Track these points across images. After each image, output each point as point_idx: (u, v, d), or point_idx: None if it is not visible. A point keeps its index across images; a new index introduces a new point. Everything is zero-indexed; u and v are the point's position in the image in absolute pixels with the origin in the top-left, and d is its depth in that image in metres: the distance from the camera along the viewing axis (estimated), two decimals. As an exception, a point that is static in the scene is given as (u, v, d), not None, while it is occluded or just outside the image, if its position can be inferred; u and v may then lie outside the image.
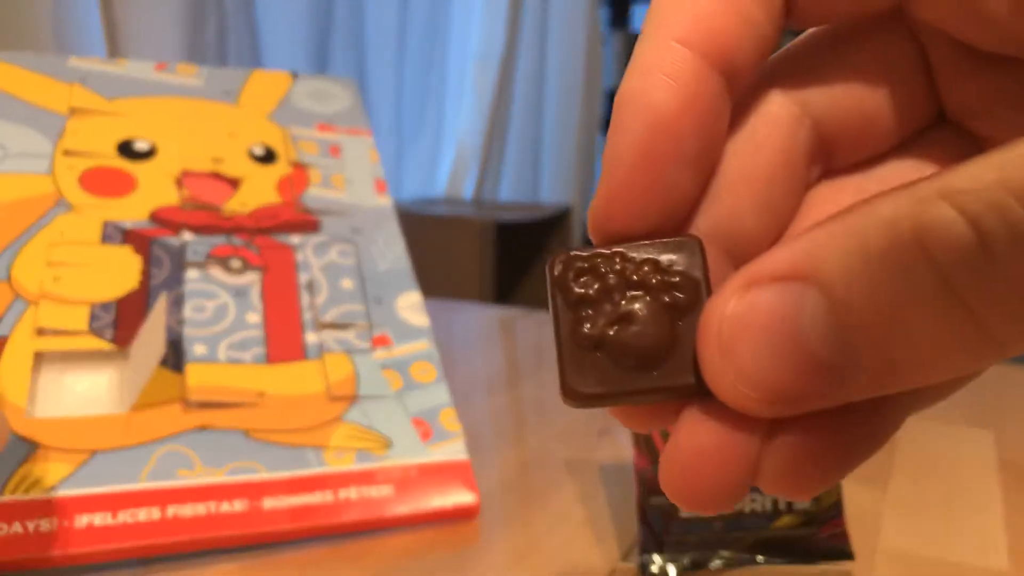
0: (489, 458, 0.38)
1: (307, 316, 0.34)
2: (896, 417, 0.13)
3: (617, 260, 0.13)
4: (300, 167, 0.39)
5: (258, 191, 0.38)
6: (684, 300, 0.13)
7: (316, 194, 0.39)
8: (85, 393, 0.30)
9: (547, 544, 0.30)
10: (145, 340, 0.32)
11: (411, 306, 0.36)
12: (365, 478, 0.31)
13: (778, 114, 0.14)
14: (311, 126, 0.42)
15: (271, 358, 0.33)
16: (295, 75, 0.45)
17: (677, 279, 0.13)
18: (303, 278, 0.35)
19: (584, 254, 0.14)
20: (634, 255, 0.13)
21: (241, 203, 0.37)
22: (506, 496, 0.34)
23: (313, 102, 0.43)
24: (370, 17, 1.54)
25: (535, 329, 0.67)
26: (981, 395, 0.50)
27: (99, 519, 0.27)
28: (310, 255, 0.36)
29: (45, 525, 0.26)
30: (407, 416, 0.33)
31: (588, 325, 0.13)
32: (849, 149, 0.15)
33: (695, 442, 0.13)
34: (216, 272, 0.34)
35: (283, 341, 0.33)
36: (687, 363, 0.13)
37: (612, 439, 0.41)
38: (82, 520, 0.27)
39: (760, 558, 0.28)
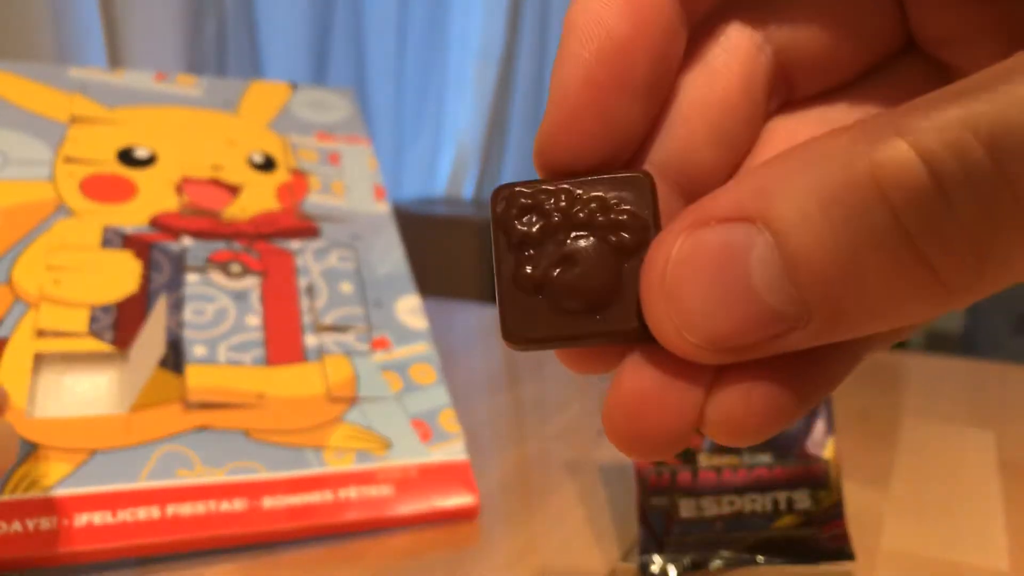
0: (489, 458, 0.38)
1: (307, 319, 0.34)
2: (846, 362, 0.13)
3: (563, 197, 0.13)
4: (299, 174, 0.40)
5: (258, 198, 0.38)
6: (631, 241, 0.13)
7: (316, 201, 0.39)
8: (85, 394, 0.30)
9: (547, 544, 0.30)
10: (145, 341, 0.32)
11: (410, 310, 0.36)
12: (365, 478, 0.31)
13: (737, 41, 0.14)
14: (310, 135, 0.42)
15: (271, 360, 0.33)
16: (294, 85, 0.45)
17: (624, 218, 0.13)
18: (303, 282, 0.35)
19: (528, 190, 0.13)
20: (580, 192, 0.13)
21: (241, 209, 0.37)
22: (506, 496, 0.34)
23: (312, 112, 0.44)
24: (370, 17, 1.54)
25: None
26: (982, 396, 0.50)
27: (99, 518, 0.27)
28: (310, 260, 0.36)
29: (45, 524, 0.26)
30: (407, 417, 0.33)
31: (530, 267, 0.13)
32: (811, 78, 0.14)
33: (637, 387, 0.12)
34: (216, 276, 0.34)
35: (283, 343, 0.33)
36: (631, 307, 0.13)
37: (612, 439, 0.41)
38: (82, 519, 0.27)
39: (760, 558, 0.28)
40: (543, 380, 0.52)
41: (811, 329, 0.11)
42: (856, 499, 0.33)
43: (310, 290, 0.35)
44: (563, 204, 0.13)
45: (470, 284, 1.36)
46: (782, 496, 0.28)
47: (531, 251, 0.13)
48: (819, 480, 0.28)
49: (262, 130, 0.41)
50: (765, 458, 0.28)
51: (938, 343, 2.97)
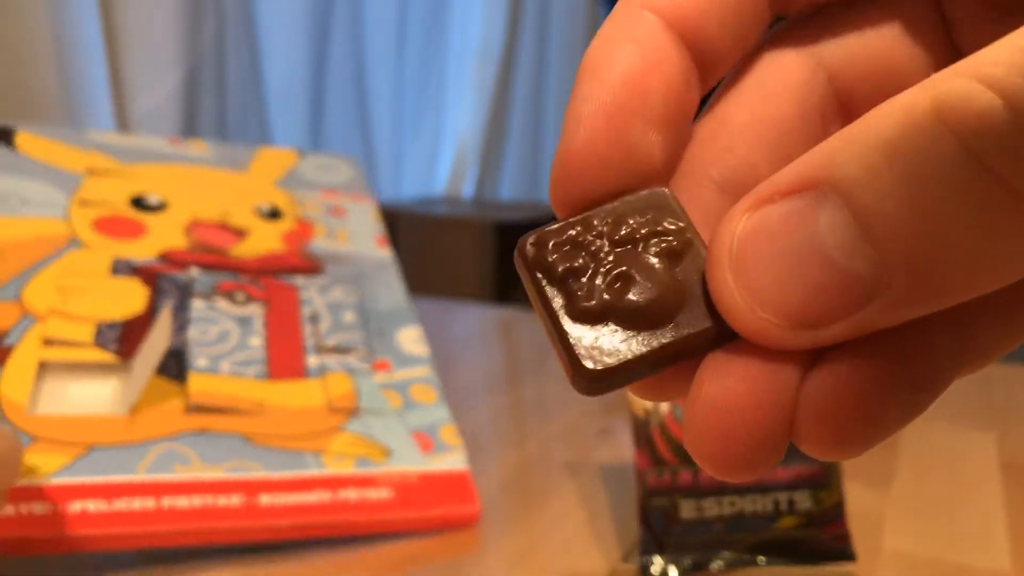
0: (489, 459, 0.38)
1: (309, 342, 0.35)
2: (943, 369, 0.12)
3: (594, 223, 0.12)
4: (305, 222, 0.41)
5: (264, 240, 0.39)
6: (677, 245, 0.12)
7: (321, 244, 0.40)
8: (86, 398, 0.30)
9: (547, 545, 0.30)
10: (148, 350, 0.32)
11: (412, 339, 0.37)
12: (364, 481, 0.31)
13: (790, 65, 0.14)
14: (316, 191, 0.44)
15: (272, 375, 0.33)
16: (301, 152, 0.47)
17: (662, 227, 0.12)
18: (306, 311, 0.36)
19: (555, 227, 0.13)
20: (608, 216, 0.12)
21: (247, 249, 0.38)
22: (506, 497, 0.34)
23: (318, 174, 0.46)
24: (369, 16, 1.54)
25: (535, 329, 0.67)
26: (984, 397, 0.49)
27: (93, 506, 0.27)
28: (314, 293, 0.37)
29: (38, 509, 0.26)
30: (407, 430, 0.33)
31: (585, 297, 0.12)
32: (868, 103, 0.14)
33: (721, 388, 0.11)
34: (221, 303, 0.35)
35: (284, 361, 0.34)
36: (700, 309, 0.12)
37: (613, 440, 0.41)
38: (76, 506, 0.27)
39: (761, 559, 0.28)
40: (543, 381, 0.52)
41: (895, 294, 0.10)
42: (857, 500, 0.33)
43: (313, 318, 0.36)
44: (597, 230, 0.12)
45: (470, 284, 1.36)
46: (783, 497, 0.28)
47: (580, 281, 0.12)
48: (820, 481, 0.28)
49: (270, 186, 0.43)
50: None
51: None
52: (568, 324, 0.12)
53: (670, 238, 0.12)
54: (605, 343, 0.12)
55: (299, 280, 0.38)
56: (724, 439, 0.11)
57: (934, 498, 0.35)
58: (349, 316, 0.37)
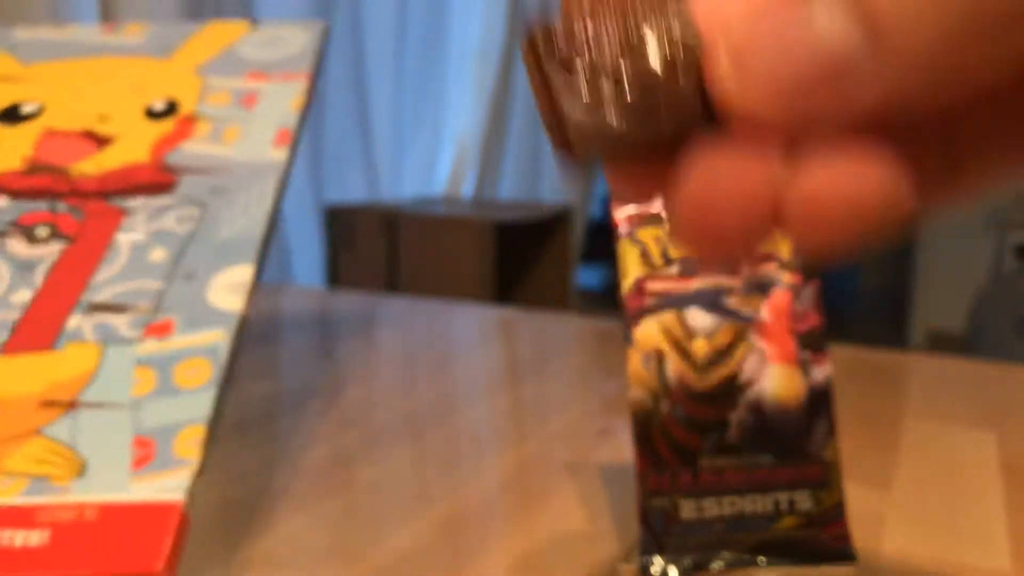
0: (488, 459, 0.38)
1: (85, 296, 0.29)
2: (933, 185, 0.12)
3: (603, 18, 0.12)
4: (189, 119, 0.36)
5: (127, 150, 0.34)
6: (677, 36, 0.12)
7: (192, 149, 0.35)
8: None
9: (547, 545, 0.30)
10: None
11: (230, 286, 0.30)
12: (20, 518, 0.23)
13: None
14: (240, 75, 0.39)
15: (9, 348, 0.27)
16: (255, 23, 0.42)
17: (664, 22, 0.12)
18: (115, 248, 0.31)
19: (562, 24, 0.13)
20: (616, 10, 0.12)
21: (97, 164, 0.34)
22: (506, 497, 0.34)
23: (259, 50, 0.40)
24: (369, 15, 1.54)
25: (535, 329, 0.67)
26: (984, 397, 0.49)
27: None
28: (140, 221, 0.32)
29: None
30: (131, 433, 0.26)
31: (581, 79, 0.12)
32: None
33: (708, 167, 0.11)
34: (13, 243, 0.30)
35: (38, 327, 0.28)
36: (692, 97, 0.12)
37: (613, 440, 0.41)
38: None
39: (762, 559, 0.28)
40: (543, 380, 0.52)
41: (884, 61, 0.10)
42: (857, 500, 0.33)
43: (113, 259, 0.30)
44: (604, 25, 0.12)
45: (470, 284, 1.36)
46: (783, 497, 0.28)
47: (581, 65, 0.12)
48: (820, 481, 0.28)
49: (183, 74, 0.38)
50: (766, 459, 0.28)
51: (940, 344, 2.98)
52: (563, 97, 0.12)
53: (672, 30, 0.12)
54: (594, 118, 0.12)
55: (134, 202, 0.32)
56: (709, 217, 0.11)
57: (934, 498, 0.35)
58: (158, 255, 0.30)
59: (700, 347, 0.26)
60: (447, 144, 1.79)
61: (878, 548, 0.30)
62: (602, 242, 2.41)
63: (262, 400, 0.47)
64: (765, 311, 0.26)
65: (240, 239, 0.31)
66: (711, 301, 0.26)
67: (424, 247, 1.40)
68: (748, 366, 0.26)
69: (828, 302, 0.26)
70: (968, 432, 0.43)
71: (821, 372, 0.26)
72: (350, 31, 1.49)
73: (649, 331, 0.26)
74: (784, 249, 0.26)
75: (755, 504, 0.27)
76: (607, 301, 2.32)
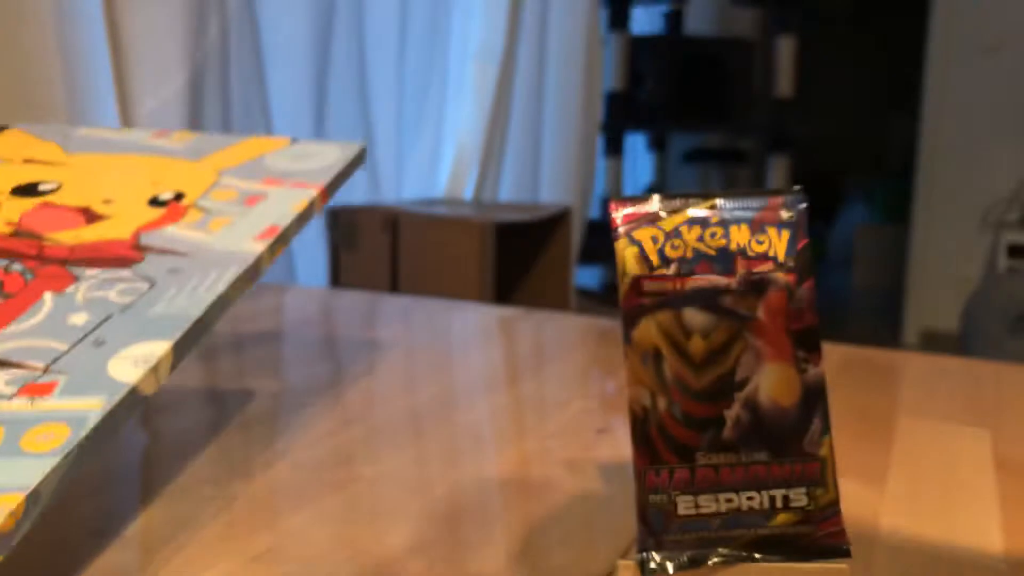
0: (489, 456, 0.38)
1: None
2: None
3: None
4: (183, 208, 0.37)
5: (112, 228, 0.35)
6: None
7: (171, 232, 0.35)
8: None
9: (546, 542, 0.30)
10: None
11: (137, 358, 0.29)
12: None
13: None
14: (258, 179, 0.39)
15: None
16: (295, 140, 0.43)
17: None
18: (39, 306, 0.31)
19: None
20: None
21: (75, 236, 0.34)
22: (505, 493, 0.34)
23: (288, 161, 0.41)
24: (371, 19, 1.54)
25: (535, 328, 0.67)
26: (978, 394, 0.50)
27: None
28: (83, 288, 0.32)
29: None
30: None
31: None
32: None
33: None
34: None
35: None
36: None
37: (611, 438, 0.41)
38: None
39: (757, 556, 0.28)
40: (543, 379, 0.52)
41: None
42: (853, 497, 0.33)
43: (34, 314, 0.30)
44: None
45: (470, 284, 1.37)
46: (779, 494, 0.28)
47: None
48: (815, 478, 0.28)
49: (204, 174, 0.39)
50: (762, 456, 0.28)
51: (934, 344, 2.98)
52: None
53: None
54: None
55: (90, 272, 0.32)
56: None
57: (929, 495, 0.35)
58: (78, 318, 0.30)
59: (697, 346, 0.26)
60: (448, 145, 1.79)
61: (872, 544, 0.31)
62: (600, 242, 2.40)
63: (266, 397, 0.47)
64: (761, 310, 0.26)
65: (170, 317, 0.30)
66: (707, 300, 0.26)
67: (425, 247, 1.41)
68: (744, 364, 0.26)
69: (823, 302, 0.26)
70: (962, 429, 0.43)
71: (816, 371, 0.26)
72: (352, 34, 1.50)
73: (647, 330, 0.26)
74: (779, 250, 0.27)
75: (751, 501, 0.28)
76: (605, 301, 2.31)
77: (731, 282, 0.26)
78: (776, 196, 0.27)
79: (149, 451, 0.39)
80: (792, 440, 0.27)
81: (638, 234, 0.27)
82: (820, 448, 0.27)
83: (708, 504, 0.28)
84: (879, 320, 3.41)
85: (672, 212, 0.27)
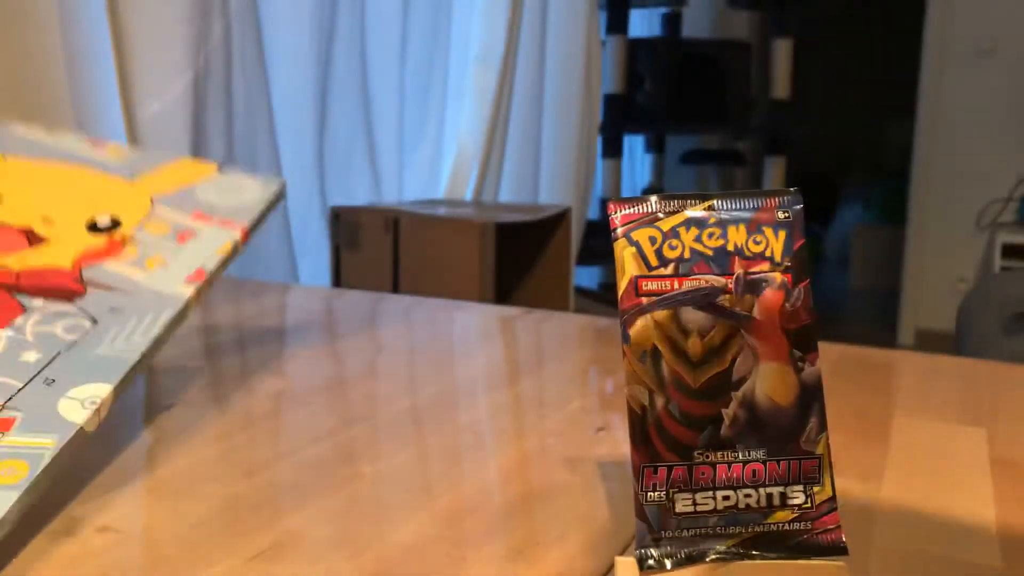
0: (489, 454, 0.39)
1: None
2: None
3: None
4: (121, 241, 0.38)
5: (54, 254, 0.36)
6: None
7: (110, 268, 0.37)
8: None
9: (546, 539, 0.31)
10: None
11: (83, 399, 0.30)
12: None
13: None
14: (188, 212, 0.42)
15: None
16: (221, 168, 0.45)
17: None
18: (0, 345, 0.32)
19: None
20: None
21: (20, 260, 0.35)
22: (505, 491, 0.35)
23: (216, 194, 0.43)
24: (372, 23, 1.55)
25: (534, 328, 0.67)
26: (974, 393, 0.50)
27: None
28: (32, 322, 0.33)
29: None
30: None
31: None
32: None
33: None
34: None
35: None
36: None
37: (610, 436, 0.41)
38: None
39: (755, 553, 0.28)
40: (542, 377, 0.52)
41: None
42: (850, 495, 0.34)
43: None
44: None
45: (470, 284, 1.37)
46: (776, 491, 0.28)
47: None
48: (812, 476, 0.28)
49: (139, 198, 0.41)
50: (759, 454, 0.28)
51: (929, 344, 2.98)
52: None
53: None
54: None
55: (37, 303, 0.34)
56: None
57: (925, 493, 0.35)
58: (30, 355, 0.31)
59: (694, 345, 0.26)
60: (449, 148, 1.79)
61: (869, 541, 0.31)
62: (599, 243, 2.40)
63: (268, 396, 0.47)
64: (757, 310, 0.26)
65: (112, 359, 0.32)
66: (705, 300, 0.27)
67: (426, 247, 1.41)
68: (741, 363, 0.26)
69: (819, 302, 0.27)
70: (958, 428, 0.43)
71: (812, 369, 0.26)
72: (353, 35, 1.50)
73: (644, 329, 0.27)
74: (776, 250, 0.27)
75: (748, 498, 0.28)
76: (604, 300, 2.31)
77: (728, 282, 0.27)
78: (773, 197, 0.27)
79: (152, 448, 0.40)
80: (789, 438, 0.28)
81: (636, 234, 0.27)
82: (817, 446, 0.28)
83: (706, 501, 0.28)
84: (875, 320, 3.42)
85: (670, 213, 0.27)
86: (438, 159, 1.79)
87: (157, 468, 0.38)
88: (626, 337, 0.27)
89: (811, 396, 0.27)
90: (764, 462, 0.28)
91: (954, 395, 0.49)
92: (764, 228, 0.27)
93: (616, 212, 0.28)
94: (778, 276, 0.27)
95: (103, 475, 0.36)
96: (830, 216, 4.26)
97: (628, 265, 0.27)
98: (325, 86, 1.45)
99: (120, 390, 0.31)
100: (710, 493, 0.28)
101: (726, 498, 0.28)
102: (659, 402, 0.29)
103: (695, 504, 0.28)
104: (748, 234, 0.27)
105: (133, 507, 0.34)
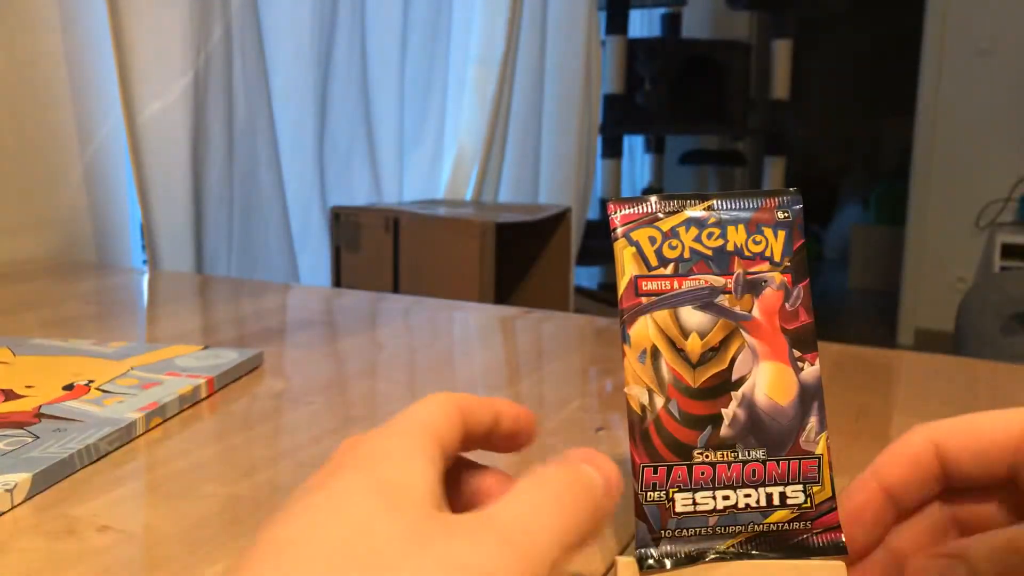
0: (488, 454, 0.39)
1: None
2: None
3: None
4: (86, 388, 0.45)
5: (22, 404, 0.42)
6: None
7: (69, 405, 0.42)
8: None
9: (547, 537, 0.31)
10: None
11: (1, 484, 0.34)
12: None
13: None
14: (161, 372, 0.48)
15: None
16: (206, 347, 0.53)
17: None
18: None
19: None
20: None
21: None
22: (506, 491, 0.35)
23: (193, 360, 0.50)
24: (373, 21, 1.55)
25: (534, 328, 0.67)
26: (973, 393, 0.50)
27: None
28: None
29: None
30: None
31: None
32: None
33: None
34: None
35: None
36: None
37: (610, 435, 0.42)
38: None
39: (755, 552, 0.28)
40: (542, 378, 0.53)
41: None
42: (848, 494, 0.34)
43: None
44: None
45: (470, 284, 1.37)
46: (776, 491, 0.28)
47: None
48: (812, 476, 0.28)
49: (118, 368, 0.48)
50: (759, 453, 0.28)
51: (929, 342, 2.98)
52: None
53: None
54: None
55: None
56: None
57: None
58: None
59: (694, 344, 0.26)
60: (449, 148, 1.80)
61: (867, 540, 0.31)
62: (599, 243, 2.39)
63: (269, 396, 0.48)
64: (757, 310, 0.26)
65: (39, 458, 0.36)
66: (704, 300, 0.27)
67: (426, 247, 1.41)
68: (740, 363, 0.26)
69: (818, 302, 0.27)
70: (957, 429, 0.43)
71: (812, 369, 0.26)
72: (353, 35, 1.50)
73: (644, 329, 0.27)
74: (776, 251, 0.27)
75: (748, 498, 0.28)
76: (604, 300, 2.31)
77: (728, 282, 0.27)
78: (773, 197, 0.27)
79: (152, 448, 0.40)
80: (789, 438, 0.28)
81: (636, 234, 0.27)
82: (817, 446, 0.28)
83: (705, 501, 0.28)
84: (874, 320, 3.42)
85: (670, 213, 0.27)
86: (438, 159, 1.79)
87: (157, 468, 0.38)
88: (626, 337, 0.27)
89: (811, 396, 0.27)
90: (764, 462, 0.28)
91: (953, 395, 0.50)
92: (764, 228, 0.27)
93: (616, 212, 0.28)
94: (778, 276, 0.27)
95: (103, 475, 0.36)
96: (829, 216, 4.26)
97: (628, 265, 0.27)
98: (325, 86, 1.45)
99: (44, 481, 0.35)
100: (710, 493, 0.28)
101: (726, 498, 0.28)
102: (659, 402, 0.29)
103: (695, 504, 0.28)
104: (748, 234, 0.27)
105: (133, 507, 0.34)
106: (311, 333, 0.64)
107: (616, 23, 2.44)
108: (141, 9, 1.04)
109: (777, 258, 0.27)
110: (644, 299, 0.27)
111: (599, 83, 2.18)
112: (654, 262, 0.27)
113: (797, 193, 0.27)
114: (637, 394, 0.27)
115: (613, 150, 2.51)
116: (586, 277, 2.63)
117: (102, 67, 1.04)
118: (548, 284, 1.66)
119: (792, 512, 0.28)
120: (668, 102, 2.55)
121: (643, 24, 2.90)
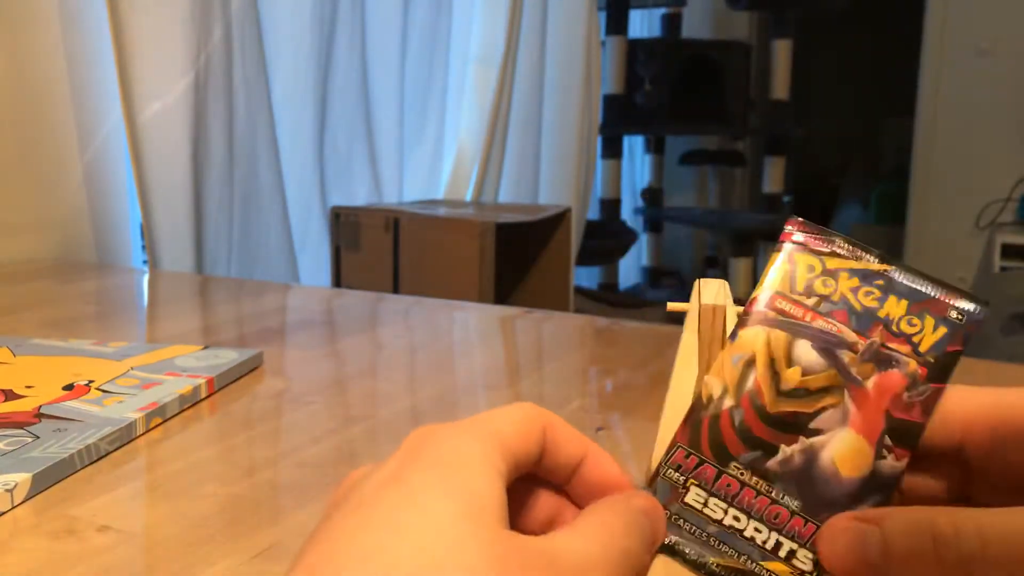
0: (490, 454, 0.38)
1: None
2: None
3: None
4: (87, 388, 0.45)
5: (21, 404, 0.42)
6: None
7: (70, 405, 0.43)
8: None
9: (547, 537, 0.31)
10: None
11: (1, 484, 0.34)
12: None
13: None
14: (161, 372, 0.48)
15: None
16: (206, 347, 0.53)
17: None
18: None
19: None
20: None
21: None
22: (506, 491, 0.35)
23: (193, 360, 0.50)
24: (372, 21, 1.55)
25: (534, 328, 0.67)
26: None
27: None
28: None
29: None
30: None
31: None
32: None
33: None
34: None
35: None
36: None
37: (610, 435, 0.42)
38: None
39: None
40: (542, 378, 0.53)
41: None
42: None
43: None
44: None
45: (470, 284, 1.37)
46: (787, 544, 0.26)
47: None
48: None
49: (118, 368, 0.48)
50: (793, 504, 0.26)
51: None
52: None
53: None
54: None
55: None
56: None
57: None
58: None
59: (792, 375, 0.25)
60: (448, 148, 1.80)
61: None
62: (599, 243, 2.38)
63: (269, 396, 0.48)
64: (872, 383, 0.26)
65: (39, 458, 0.36)
66: (827, 345, 0.26)
67: (426, 247, 1.41)
68: (826, 417, 0.25)
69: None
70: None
71: (895, 464, 0.24)
72: (354, 35, 1.50)
73: (755, 337, 0.26)
74: (926, 342, 0.26)
75: (758, 533, 0.27)
76: (604, 300, 2.30)
77: (860, 342, 0.26)
78: (957, 294, 0.26)
79: (152, 448, 0.40)
80: (832, 508, 0.26)
81: (799, 256, 0.27)
82: None
83: (715, 510, 0.27)
84: (876, 321, 3.40)
85: (843, 256, 0.27)
86: (438, 159, 1.79)
87: (157, 468, 0.38)
88: (734, 335, 0.26)
89: (879, 487, 0.25)
90: (793, 513, 0.26)
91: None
92: (927, 315, 0.26)
93: (794, 228, 0.27)
94: (913, 363, 0.25)
95: (103, 475, 0.36)
96: (829, 216, 4.26)
97: (776, 280, 0.26)
98: (325, 86, 1.45)
99: (44, 481, 0.35)
100: (724, 505, 0.27)
101: (736, 519, 0.27)
102: (727, 403, 0.27)
103: (705, 505, 0.27)
104: (907, 312, 0.26)
105: (133, 507, 0.34)
106: (311, 333, 0.64)
107: (616, 23, 2.44)
108: (141, 9, 1.04)
109: (923, 348, 0.25)
110: (771, 313, 0.26)
111: (599, 83, 2.18)
112: (800, 288, 0.26)
113: (985, 308, 0.26)
114: (711, 385, 0.26)
115: (613, 150, 2.51)
116: (586, 277, 2.63)
117: (102, 67, 1.04)
118: (548, 284, 1.66)
119: (792, 573, 0.27)
120: (668, 102, 2.55)
121: (643, 24, 2.90)
